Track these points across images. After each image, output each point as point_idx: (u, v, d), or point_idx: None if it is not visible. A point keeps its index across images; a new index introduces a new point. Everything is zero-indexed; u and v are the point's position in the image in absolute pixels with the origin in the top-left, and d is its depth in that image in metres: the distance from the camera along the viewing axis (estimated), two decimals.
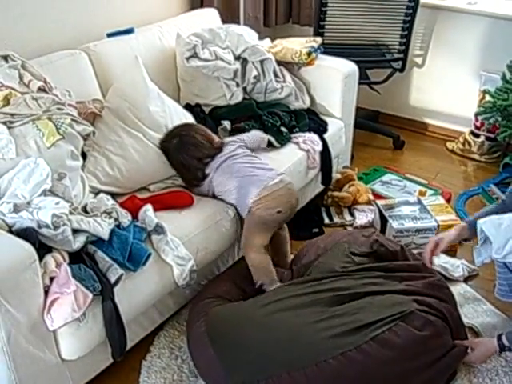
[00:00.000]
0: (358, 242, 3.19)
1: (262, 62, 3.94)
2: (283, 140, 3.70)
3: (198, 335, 2.80)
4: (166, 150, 3.30)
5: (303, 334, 2.64)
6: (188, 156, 3.26)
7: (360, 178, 4.43)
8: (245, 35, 3.98)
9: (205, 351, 2.73)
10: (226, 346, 2.69)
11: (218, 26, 4.12)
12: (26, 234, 2.43)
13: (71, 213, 2.68)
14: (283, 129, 3.75)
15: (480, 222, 2.87)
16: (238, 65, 3.89)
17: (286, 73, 4.06)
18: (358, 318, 2.68)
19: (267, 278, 3.11)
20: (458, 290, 3.33)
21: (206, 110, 3.85)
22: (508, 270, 2.95)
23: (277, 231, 3.30)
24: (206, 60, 3.82)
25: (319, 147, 3.76)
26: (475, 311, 3.24)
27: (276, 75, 3.98)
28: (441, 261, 3.49)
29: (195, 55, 3.85)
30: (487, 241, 2.87)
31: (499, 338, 2.78)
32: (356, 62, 4.19)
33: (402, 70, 4.84)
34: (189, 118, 3.57)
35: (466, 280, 3.49)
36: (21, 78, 3.05)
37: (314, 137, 3.77)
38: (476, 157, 4.96)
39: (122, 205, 2.95)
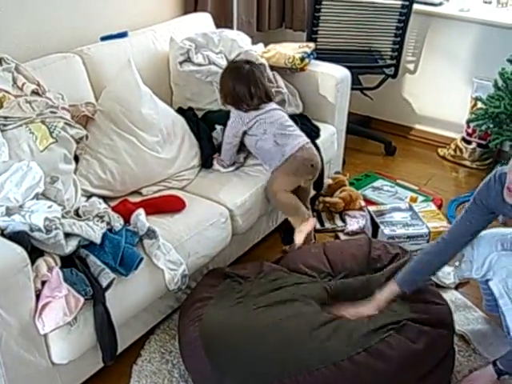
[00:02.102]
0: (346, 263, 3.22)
1: None
2: None
3: (191, 340, 2.78)
4: (229, 72, 3.61)
5: (296, 342, 2.64)
6: (258, 80, 3.57)
7: (351, 184, 4.43)
8: (238, 40, 3.98)
9: (197, 356, 2.72)
10: (219, 351, 2.68)
11: (211, 30, 4.11)
12: (18, 237, 2.42)
13: (63, 216, 2.68)
14: None
15: None
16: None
17: (278, 78, 4.06)
18: (351, 328, 2.69)
19: (296, 212, 3.54)
20: (449, 297, 3.32)
21: (199, 114, 3.85)
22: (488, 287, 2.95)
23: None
24: (200, 64, 3.83)
25: None
26: (466, 318, 3.24)
27: (269, 80, 3.98)
28: None
29: (188, 59, 3.85)
30: (467, 258, 2.89)
31: (494, 363, 2.77)
32: (349, 67, 4.20)
33: (394, 76, 4.85)
34: (181, 122, 3.57)
35: (457, 287, 3.49)
36: (14, 81, 3.04)
37: None
38: (467, 163, 4.96)
39: (114, 209, 2.96)
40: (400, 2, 4.57)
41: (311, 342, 2.63)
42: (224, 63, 3.86)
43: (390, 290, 2.90)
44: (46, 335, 2.45)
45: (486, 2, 4.97)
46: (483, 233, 2.87)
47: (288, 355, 2.60)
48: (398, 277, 2.92)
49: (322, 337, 2.65)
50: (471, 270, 2.88)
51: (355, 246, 3.33)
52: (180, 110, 3.81)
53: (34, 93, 3.03)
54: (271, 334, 2.68)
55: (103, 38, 3.72)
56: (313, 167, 3.56)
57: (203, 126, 3.69)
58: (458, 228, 2.84)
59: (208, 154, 3.59)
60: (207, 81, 3.82)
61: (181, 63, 3.83)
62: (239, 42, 3.97)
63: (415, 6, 4.64)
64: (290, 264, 3.22)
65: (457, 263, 3.03)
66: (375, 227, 3.82)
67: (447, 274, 3.49)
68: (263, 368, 2.59)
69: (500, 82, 4.34)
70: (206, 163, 3.58)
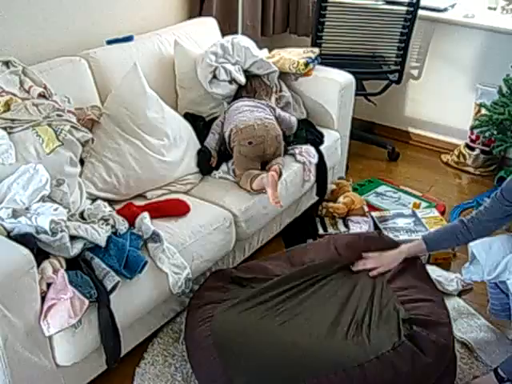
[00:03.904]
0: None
1: (268, 74, 3.98)
2: None
3: (201, 339, 2.77)
4: None
5: (307, 347, 2.64)
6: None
7: (355, 189, 4.43)
8: (250, 48, 3.99)
9: (207, 355, 2.71)
10: (231, 351, 2.67)
11: (225, 39, 4.07)
12: (24, 239, 2.44)
13: (69, 219, 2.69)
14: None
15: (471, 244, 2.90)
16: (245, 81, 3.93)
17: (282, 84, 4.08)
18: (362, 332, 2.69)
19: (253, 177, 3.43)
20: (452, 304, 3.32)
21: (206, 118, 3.90)
22: (500, 291, 2.97)
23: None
24: (224, 81, 3.85)
25: (315, 159, 3.76)
26: (469, 326, 3.24)
27: (276, 86, 4.00)
28: (435, 274, 3.50)
29: (214, 77, 3.86)
30: (477, 260, 2.89)
31: (496, 371, 2.77)
32: (353, 73, 4.22)
33: (398, 81, 4.85)
34: (186, 126, 3.59)
35: (460, 294, 3.49)
36: (21, 83, 3.06)
37: (310, 149, 3.78)
38: (471, 170, 4.97)
39: (118, 212, 2.96)
40: (405, 8, 4.57)
41: (324, 348, 2.63)
42: (242, 79, 3.89)
43: (416, 245, 3.10)
44: (50, 337, 2.46)
45: (490, 9, 4.98)
46: (496, 237, 2.88)
47: (299, 360, 2.60)
48: (426, 235, 3.11)
49: (335, 343, 2.65)
50: (483, 272, 2.89)
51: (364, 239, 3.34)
52: (189, 117, 3.83)
53: (41, 96, 3.04)
54: (284, 339, 2.69)
55: (109, 42, 3.74)
56: (251, 144, 3.50)
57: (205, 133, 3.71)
58: (494, 208, 2.91)
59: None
60: (223, 102, 3.93)
61: (210, 82, 3.86)
62: (252, 51, 3.98)
63: (420, 12, 4.64)
64: (302, 258, 3.24)
65: (466, 264, 3.04)
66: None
67: (450, 281, 3.49)
68: (274, 371, 2.59)
69: (504, 89, 4.35)
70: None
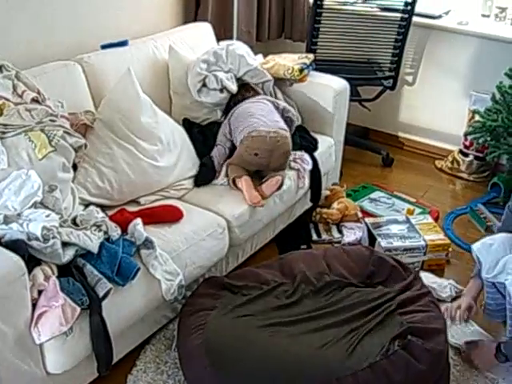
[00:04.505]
0: (353, 272, 3.20)
1: (263, 83, 3.99)
2: None
3: (193, 347, 2.75)
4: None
5: (300, 356, 2.63)
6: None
7: (348, 195, 4.43)
8: (246, 56, 3.97)
9: (200, 364, 2.68)
10: (224, 360, 2.65)
11: (219, 46, 4.05)
12: (15, 246, 2.42)
13: (61, 225, 2.67)
14: None
15: (473, 246, 2.91)
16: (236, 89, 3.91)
17: (277, 91, 4.08)
18: (355, 341, 2.69)
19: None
20: None
21: (199, 123, 3.90)
22: (496, 291, 2.98)
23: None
24: (214, 90, 3.83)
25: (309, 166, 3.75)
26: (462, 332, 3.23)
27: (271, 94, 3.99)
28: (428, 281, 3.49)
29: (204, 85, 3.86)
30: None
31: (498, 345, 2.85)
32: (347, 79, 4.22)
33: (392, 87, 4.85)
34: (180, 131, 3.59)
35: (453, 300, 3.47)
36: (14, 88, 3.05)
37: (305, 155, 3.77)
38: (464, 176, 4.97)
39: (111, 218, 2.95)
40: (399, 15, 4.57)
41: (317, 357, 2.62)
42: (234, 87, 3.87)
43: (472, 286, 3.23)
44: (41, 345, 2.44)
45: (484, 16, 4.97)
46: (497, 236, 2.90)
47: (293, 370, 2.58)
48: (476, 272, 3.17)
49: (328, 352, 2.65)
50: (481, 270, 2.92)
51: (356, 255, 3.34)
52: (186, 123, 3.84)
53: (34, 101, 3.03)
54: (277, 348, 2.68)
55: (104, 47, 3.72)
56: (257, 156, 3.47)
57: (201, 140, 3.72)
58: (509, 221, 3.04)
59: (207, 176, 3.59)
60: (216, 109, 3.93)
61: (199, 91, 3.84)
62: (247, 59, 3.96)
63: (414, 19, 4.64)
64: (293, 267, 3.21)
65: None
66: (372, 239, 3.81)
67: (443, 288, 3.48)
68: (267, 381, 2.58)
69: (498, 96, 4.35)
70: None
